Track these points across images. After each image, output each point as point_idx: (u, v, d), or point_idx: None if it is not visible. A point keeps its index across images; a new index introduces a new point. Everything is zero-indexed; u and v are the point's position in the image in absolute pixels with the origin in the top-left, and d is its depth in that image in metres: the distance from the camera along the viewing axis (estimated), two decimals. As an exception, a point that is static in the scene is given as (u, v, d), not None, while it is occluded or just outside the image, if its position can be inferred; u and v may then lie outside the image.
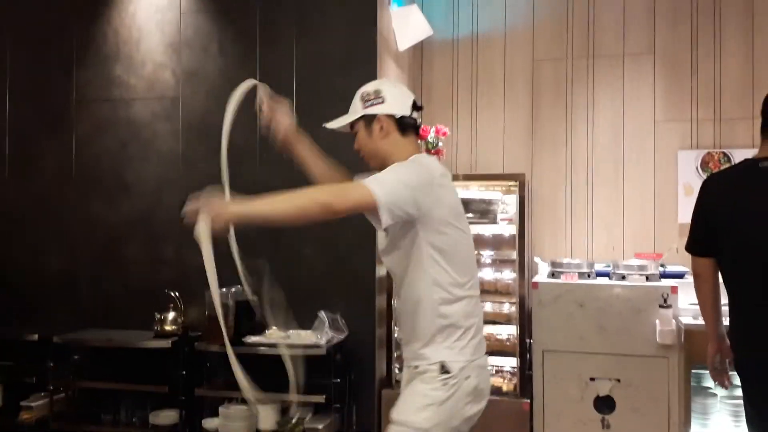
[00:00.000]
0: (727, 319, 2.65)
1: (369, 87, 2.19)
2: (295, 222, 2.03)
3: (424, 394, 2.04)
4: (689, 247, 2.70)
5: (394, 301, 2.26)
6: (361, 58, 4.03)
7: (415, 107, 2.18)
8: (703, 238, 2.64)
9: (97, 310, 4.33)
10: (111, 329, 4.21)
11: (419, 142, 4.23)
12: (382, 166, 2.09)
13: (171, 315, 4.00)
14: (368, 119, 2.15)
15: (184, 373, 3.87)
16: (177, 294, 4.04)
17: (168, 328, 3.97)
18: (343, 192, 2.00)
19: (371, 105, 2.16)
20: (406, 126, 2.16)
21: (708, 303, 2.72)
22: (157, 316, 3.99)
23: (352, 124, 2.18)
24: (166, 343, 3.87)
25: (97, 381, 4.04)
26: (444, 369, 2.04)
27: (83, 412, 4.11)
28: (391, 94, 2.17)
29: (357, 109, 2.17)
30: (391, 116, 2.14)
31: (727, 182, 2.63)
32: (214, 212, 1.93)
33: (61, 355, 4.03)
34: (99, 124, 4.43)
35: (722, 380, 2.79)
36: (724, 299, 2.69)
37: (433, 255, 2.06)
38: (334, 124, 2.21)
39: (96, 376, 4.06)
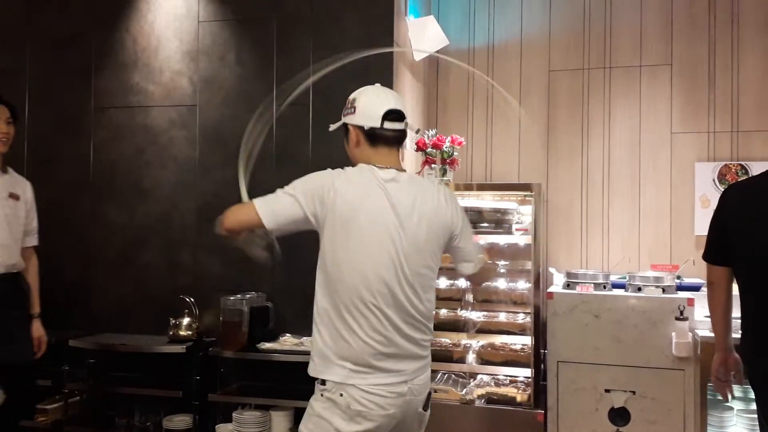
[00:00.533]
0: (739, 332, 2.65)
1: (352, 95, 2.25)
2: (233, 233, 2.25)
3: (310, 404, 2.14)
4: (705, 255, 2.71)
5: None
6: (377, 68, 4.04)
7: (391, 117, 2.18)
8: (719, 247, 2.64)
9: (112, 314, 4.36)
10: (126, 334, 4.24)
11: (429, 150, 4.25)
12: None
13: (186, 320, 4.02)
14: (345, 128, 2.26)
15: (198, 378, 3.88)
16: (192, 299, 4.06)
17: (183, 333, 3.99)
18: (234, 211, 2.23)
19: (346, 114, 2.24)
20: (376, 137, 2.19)
21: (719, 311, 2.72)
22: (172, 321, 4.01)
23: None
24: (180, 348, 3.88)
25: (112, 385, 4.06)
26: (322, 381, 2.10)
27: (97, 415, 4.13)
28: (363, 104, 2.20)
29: (341, 117, 2.26)
30: (359, 127, 2.20)
31: (746, 192, 2.63)
32: None
33: (77, 359, 4.06)
34: (116, 131, 4.47)
35: (724, 391, 2.79)
36: (736, 312, 2.68)
37: (321, 264, 2.18)
38: (331, 128, 2.32)
39: (111, 380, 4.08)
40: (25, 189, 3.51)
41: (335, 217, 2.11)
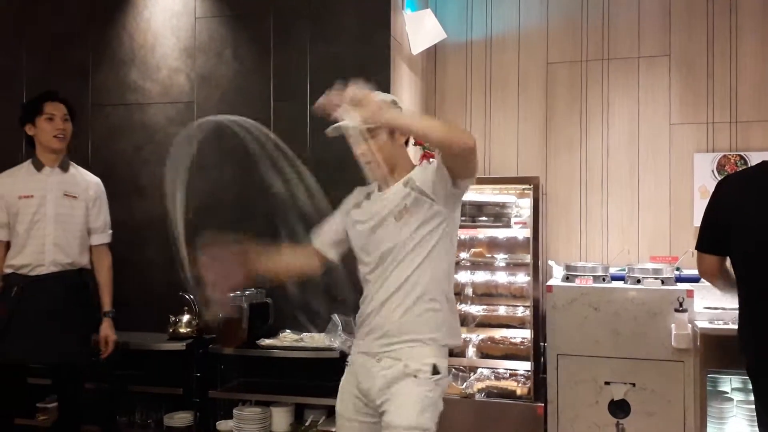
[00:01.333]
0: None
1: (384, 95, 2.23)
2: (440, 145, 2.01)
3: (423, 396, 2.07)
4: (698, 245, 2.68)
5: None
6: (374, 62, 4.04)
7: None
8: (711, 236, 2.61)
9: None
10: (126, 331, 4.23)
11: (427, 144, 4.24)
12: (388, 172, 2.21)
13: (186, 317, 4.01)
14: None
15: (198, 375, 3.88)
16: (192, 296, 4.06)
17: (182, 330, 3.99)
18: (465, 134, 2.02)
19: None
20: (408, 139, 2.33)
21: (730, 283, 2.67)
22: (172, 318, 4.01)
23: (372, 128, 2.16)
24: (180, 346, 3.88)
25: (113, 383, 4.06)
26: (436, 370, 2.10)
27: (98, 413, 4.13)
28: (402, 105, 2.30)
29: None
30: None
31: (742, 183, 2.61)
32: (371, 110, 2.00)
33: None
34: (114, 128, 4.47)
35: None
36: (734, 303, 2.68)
37: (447, 248, 2.18)
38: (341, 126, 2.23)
39: (111, 378, 4.08)
40: (88, 187, 3.52)
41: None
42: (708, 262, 2.64)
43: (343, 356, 3.70)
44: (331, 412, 3.86)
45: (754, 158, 4.25)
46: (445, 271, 2.18)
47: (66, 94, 4.51)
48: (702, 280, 3.84)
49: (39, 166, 3.41)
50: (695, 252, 2.68)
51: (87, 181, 3.53)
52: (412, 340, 2.11)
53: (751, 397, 3.68)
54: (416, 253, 2.12)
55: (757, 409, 2.58)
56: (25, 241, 3.32)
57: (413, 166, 2.27)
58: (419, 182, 2.14)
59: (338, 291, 4.03)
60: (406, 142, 2.31)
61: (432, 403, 2.08)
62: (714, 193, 2.65)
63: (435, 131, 1.98)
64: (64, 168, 3.45)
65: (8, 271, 3.33)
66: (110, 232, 3.63)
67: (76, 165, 3.54)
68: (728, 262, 2.62)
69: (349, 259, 4.15)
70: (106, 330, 3.50)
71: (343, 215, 2.38)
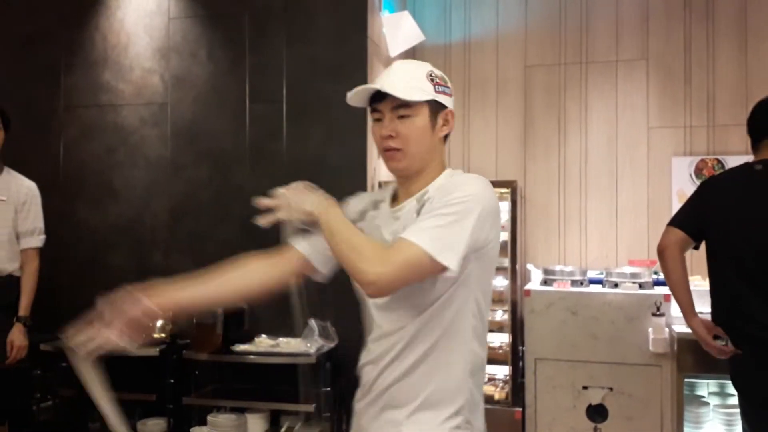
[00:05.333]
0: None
1: (435, 69, 1.66)
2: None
3: None
4: (672, 220, 2.80)
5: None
6: (351, 64, 4.00)
7: None
8: (688, 215, 2.76)
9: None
10: (98, 337, 4.16)
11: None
12: (413, 169, 1.64)
13: (159, 322, 3.94)
14: (436, 107, 1.63)
15: (172, 381, 3.81)
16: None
17: (155, 335, 3.92)
18: (390, 265, 1.48)
19: (443, 93, 1.64)
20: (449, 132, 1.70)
21: (683, 279, 2.78)
22: (145, 323, 3.94)
23: (402, 104, 1.59)
24: (153, 351, 3.81)
25: (84, 389, 3.98)
26: None
27: (70, 420, 4.05)
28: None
29: (426, 89, 1.61)
30: (453, 115, 1.68)
31: (723, 185, 2.73)
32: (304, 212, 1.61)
33: (48, 363, 3.97)
34: (87, 130, 4.38)
35: (726, 350, 2.68)
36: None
37: (481, 293, 1.62)
38: (397, 91, 1.57)
39: (83, 384, 4.00)
40: (19, 189, 3.51)
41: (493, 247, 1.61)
42: (673, 236, 2.75)
43: (319, 361, 3.67)
44: (307, 418, 3.82)
45: (732, 162, 4.26)
46: (474, 332, 1.64)
47: (37, 95, 4.45)
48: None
49: None
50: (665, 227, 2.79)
51: (19, 185, 3.53)
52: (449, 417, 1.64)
53: (728, 401, 3.71)
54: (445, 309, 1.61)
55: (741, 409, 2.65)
56: None
57: (442, 171, 1.67)
58: (436, 201, 1.55)
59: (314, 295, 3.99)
60: (446, 137, 1.69)
61: None
62: (702, 183, 2.87)
63: (343, 256, 1.51)
64: None
65: None
66: (42, 237, 3.61)
67: (10, 170, 3.55)
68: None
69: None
70: (14, 334, 3.43)
71: None
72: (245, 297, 1.79)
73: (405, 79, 1.60)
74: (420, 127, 1.61)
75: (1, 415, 3.60)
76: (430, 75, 1.63)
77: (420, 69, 1.64)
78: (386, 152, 1.63)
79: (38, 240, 3.58)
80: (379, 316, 1.67)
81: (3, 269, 3.45)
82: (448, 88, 1.66)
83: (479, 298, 1.60)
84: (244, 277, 1.73)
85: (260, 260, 1.75)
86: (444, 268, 1.46)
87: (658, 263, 4.06)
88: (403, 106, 1.59)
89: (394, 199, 1.73)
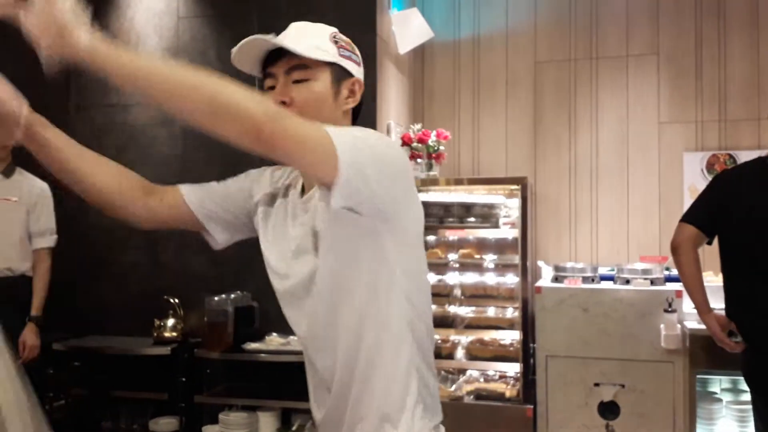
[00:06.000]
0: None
1: (342, 36, 1.47)
2: (181, 114, 1.19)
3: None
4: (684, 216, 2.80)
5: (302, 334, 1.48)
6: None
7: None
8: (701, 210, 2.76)
9: (95, 316, 4.29)
10: (110, 336, 4.18)
11: (415, 144, 4.20)
12: None
13: (170, 321, 3.96)
14: (340, 73, 1.42)
15: (183, 379, 3.83)
16: (176, 300, 4.00)
17: (167, 334, 3.94)
18: (287, 118, 1.19)
19: (349, 58, 1.44)
20: (359, 109, 1.49)
21: (697, 275, 2.78)
22: (157, 322, 3.96)
23: (299, 65, 1.38)
24: (165, 350, 3.83)
25: (97, 388, 4.01)
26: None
27: (83, 419, 4.08)
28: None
29: (328, 50, 1.41)
30: (360, 84, 1.47)
31: (741, 172, 2.78)
32: (50, 31, 1.14)
33: (61, 362, 4.00)
34: (97, 130, 4.40)
35: (739, 347, 2.72)
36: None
37: (405, 274, 1.37)
38: (292, 45, 1.35)
39: (95, 383, 4.03)
40: (31, 190, 3.55)
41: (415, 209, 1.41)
42: (686, 232, 2.74)
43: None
44: (318, 416, 3.82)
45: (743, 157, 4.22)
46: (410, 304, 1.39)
47: (48, 95, 4.46)
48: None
49: None
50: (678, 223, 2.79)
51: (31, 185, 3.57)
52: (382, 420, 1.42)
53: (741, 398, 3.68)
54: (363, 286, 1.37)
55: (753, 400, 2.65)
56: None
57: None
58: None
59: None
60: (357, 111, 1.48)
61: None
62: (714, 178, 2.86)
63: (188, 96, 1.15)
64: (7, 174, 3.51)
65: None
66: (54, 237, 3.64)
67: (22, 170, 3.58)
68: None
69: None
70: (26, 334, 3.46)
71: (245, 196, 1.56)
72: (98, 187, 1.46)
73: (304, 37, 1.40)
74: (318, 92, 1.38)
75: None
76: (334, 37, 1.44)
77: (323, 29, 1.46)
78: None
79: (50, 240, 3.61)
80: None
81: (15, 269, 3.49)
82: (356, 55, 1.47)
83: (407, 286, 1.36)
84: (113, 171, 1.49)
85: (140, 179, 1.52)
86: (335, 164, 1.16)
87: (671, 259, 4.09)
88: (299, 68, 1.37)
89: (302, 187, 1.46)
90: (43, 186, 3.61)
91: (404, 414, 1.36)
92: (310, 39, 1.40)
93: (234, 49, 1.37)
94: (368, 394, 1.36)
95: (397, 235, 1.34)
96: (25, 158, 4.50)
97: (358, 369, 1.36)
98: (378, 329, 1.34)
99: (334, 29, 1.48)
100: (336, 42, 1.44)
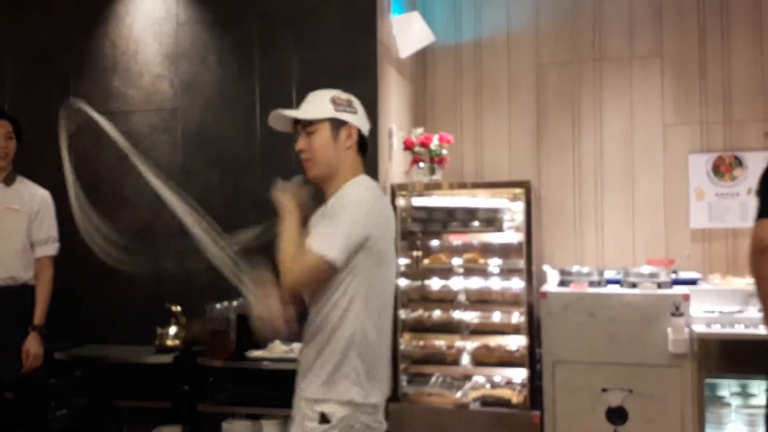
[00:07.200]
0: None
1: (340, 94, 2.14)
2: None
3: None
4: (761, 211, 2.37)
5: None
6: (361, 66, 3.97)
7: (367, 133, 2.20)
8: None
9: (97, 325, 4.26)
10: (112, 344, 4.15)
11: (417, 149, 4.18)
12: (326, 177, 2.09)
13: (173, 330, 3.93)
14: (337, 124, 2.08)
15: (186, 388, 3.79)
16: (178, 308, 3.97)
17: (170, 342, 3.91)
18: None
19: (344, 111, 2.10)
20: (365, 146, 2.15)
21: None
22: (159, 330, 3.93)
23: (308, 123, 2.08)
24: (167, 359, 3.80)
25: (99, 397, 3.98)
26: (324, 419, 1.96)
27: (84, 429, 4.04)
28: (361, 109, 2.15)
29: (326, 109, 2.08)
30: (358, 130, 2.11)
31: None
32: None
33: (63, 372, 3.97)
34: (97, 137, 4.37)
35: None
36: None
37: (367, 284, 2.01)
38: (298, 113, 2.11)
39: (98, 393, 4.00)
40: (32, 198, 3.54)
41: (381, 241, 2.04)
42: None
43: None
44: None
45: (749, 158, 4.20)
46: (358, 307, 2.00)
47: (49, 102, 4.44)
48: (699, 282, 3.82)
49: None
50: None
51: (32, 194, 3.56)
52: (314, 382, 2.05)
53: (750, 402, 3.64)
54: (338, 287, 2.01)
55: None
56: None
57: (354, 178, 2.11)
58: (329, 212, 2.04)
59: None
60: (363, 148, 2.15)
61: None
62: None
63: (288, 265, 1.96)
64: (8, 182, 3.51)
65: None
66: (56, 245, 3.62)
67: (23, 178, 3.59)
68: None
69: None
70: (29, 343, 3.43)
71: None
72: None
73: (309, 103, 2.11)
74: (322, 139, 2.06)
75: (16, 423, 3.60)
76: (333, 98, 2.09)
77: (325, 94, 2.11)
78: (303, 163, 2.10)
79: (52, 248, 3.58)
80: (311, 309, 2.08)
81: (18, 278, 3.47)
82: (351, 107, 2.10)
83: (373, 286, 2.01)
84: None
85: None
86: (333, 262, 1.91)
87: (678, 262, 4.02)
88: (308, 124, 2.07)
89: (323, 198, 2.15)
90: (44, 194, 3.60)
91: (340, 383, 1.98)
92: (313, 104, 2.11)
93: (270, 121, 2.16)
94: (322, 358, 2.01)
95: (370, 257, 1.99)
96: (25, 167, 4.49)
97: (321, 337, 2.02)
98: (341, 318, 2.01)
99: (335, 92, 2.13)
100: (334, 101, 2.09)
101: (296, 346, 3.75)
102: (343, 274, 1.97)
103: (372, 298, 2.02)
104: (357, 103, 2.15)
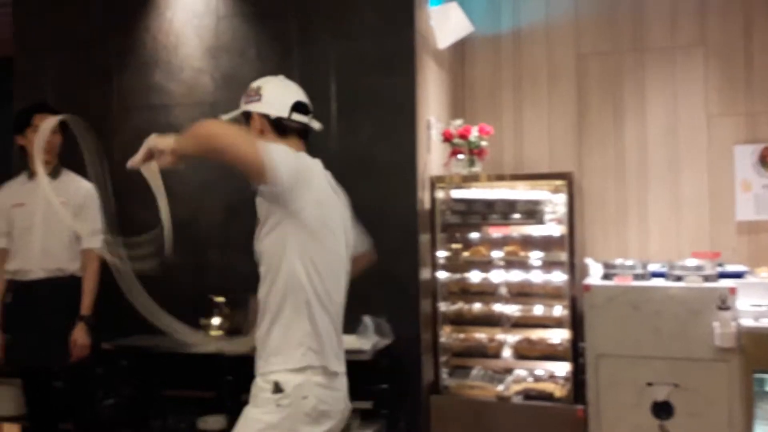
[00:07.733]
0: None
1: (255, 83, 2.21)
2: (217, 154, 2.05)
3: (256, 419, 2.03)
4: None
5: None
6: (399, 58, 3.95)
7: (299, 109, 2.18)
8: None
9: (142, 316, 4.32)
10: (157, 335, 4.20)
11: (456, 140, 4.15)
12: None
13: (216, 320, 3.98)
14: (246, 116, 2.18)
15: (230, 378, 3.83)
16: (222, 299, 4.01)
17: (213, 333, 3.95)
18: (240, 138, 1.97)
19: (249, 102, 2.18)
20: (284, 128, 2.15)
21: None
22: (203, 321, 3.97)
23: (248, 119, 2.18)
24: (212, 349, 3.83)
25: (145, 387, 4.04)
26: (278, 388, 1.99)
27: (132, 418, 4.11)
28: (270, 92, 2.18)
29: (240, 105, 2.20)
30: (265, 116, 2.15)
31: None
32: (156, 150, 2.06)
33: (110, 362, 4.04)
34: (139, 131, 4.41)
35: None
36: None
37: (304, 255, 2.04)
38: (226, 116, 2.22)
39: (144, 382, 4.06)
40: (77, 191, 3.59)
41: (311, 203, 2.06)
42: None
43: (376, 358, 3.64)
44: (363, 415, 3.80)
45: (797, 149, 4.11)
46: (301, 274, 2.04)
47: (91, 97, 4.51)
48: (746, 275, 3.75)
49: (31, 175, 3.56)
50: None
51: (77, 187, 3.62)
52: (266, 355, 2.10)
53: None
54: (269, 257, 2.08)
55: None
56: (18, 247, 3.51)
57: None
58: None
59: (368, 291, 3.96)
60: (283, 130, 2.17)
61: (266, 428, 1.98)
62: None
63: (216, 139, 2.00)
64: (54, 176, 3.59)
65: (8, 277, 3.53)
66: (102, 237, 3.63)
67: (69, 172, 3.65)
68: None
69: (380, 264, 4.06)
70: (77, 333, 3.50)
71: None
72: None
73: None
74: (253, 131, 2.16)
75: (65, 413, 3.67)
76: (247, 91, 2.20)
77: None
78: None
79: (98, 240, 3.62)
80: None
81: (65, 269, 3.54)
82: (257, 95, 2.17)
83: (307, 263, 2.03)
84: None
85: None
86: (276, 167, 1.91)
87: (724, 254, 3.95)
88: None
89: None
90: (88, 186, 3.65)
91: (292, 352, 2.03)
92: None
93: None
94: (272, 333, 2.07)
95: (297, 224, 2.04)
96: (69, 160, 4.55)
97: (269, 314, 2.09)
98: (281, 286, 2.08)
99: (253, 84, 2.23)
100: (246, 94, 2.21)
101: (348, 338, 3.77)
102: (279, 245, 2.03)
103: (312, 268, 2.04)
104: (269, 86, 2.19)
